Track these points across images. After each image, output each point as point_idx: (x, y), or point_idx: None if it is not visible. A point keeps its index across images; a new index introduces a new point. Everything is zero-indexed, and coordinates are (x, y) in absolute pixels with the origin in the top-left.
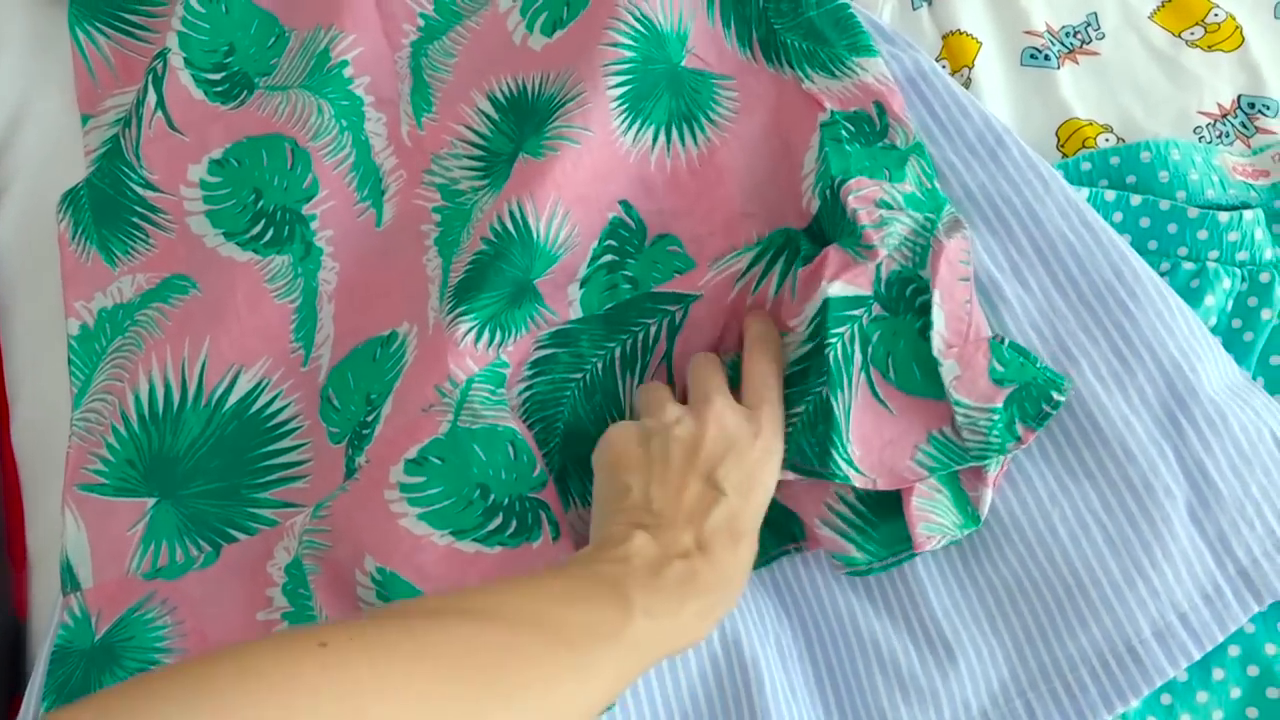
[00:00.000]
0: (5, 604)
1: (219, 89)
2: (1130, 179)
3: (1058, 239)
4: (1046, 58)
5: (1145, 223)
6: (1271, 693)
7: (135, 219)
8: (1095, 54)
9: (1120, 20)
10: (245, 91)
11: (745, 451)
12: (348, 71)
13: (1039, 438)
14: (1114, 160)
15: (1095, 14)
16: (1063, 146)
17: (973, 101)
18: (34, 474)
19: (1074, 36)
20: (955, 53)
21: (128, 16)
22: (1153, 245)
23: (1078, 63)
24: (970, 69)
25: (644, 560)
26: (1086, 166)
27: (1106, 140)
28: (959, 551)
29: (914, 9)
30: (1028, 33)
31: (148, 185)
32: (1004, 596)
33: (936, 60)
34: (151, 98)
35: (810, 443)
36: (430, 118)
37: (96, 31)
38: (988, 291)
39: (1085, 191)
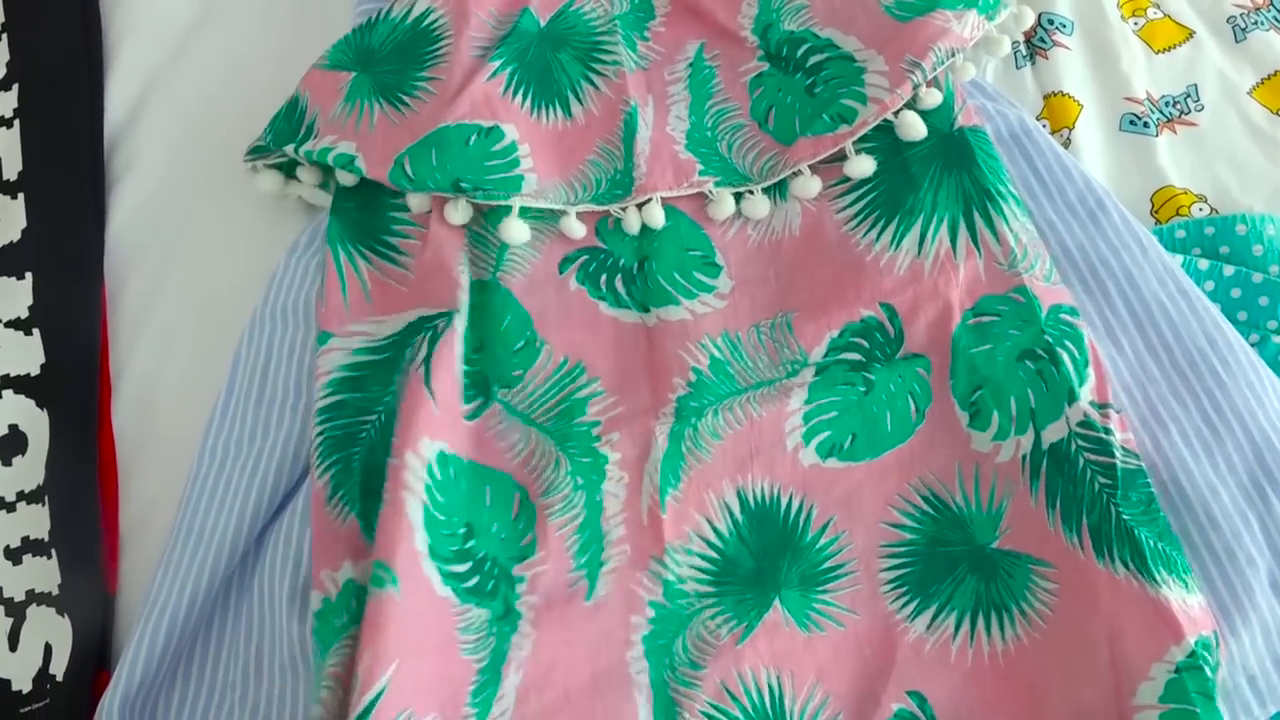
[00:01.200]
0: (97, 579)
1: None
2: (1224, 249)
3: (1153, 304)
4: (1146, 125)
5: (1236, 293)
6: None
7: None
8: (1193, 125)
9: (1220, 94)
10: (483, 399)
11: None
12: (597, 430)
13: None
14: (1209, 230)
15: (1195, 86)
16: (1156, 213)
17: (1074, 163)
18: (131, 450)
19: (1173, 106)
20: (1056, 113)
21: (388, 240)
22: (1243, 316)
23: (1176, 132)
24: (1070, 130)
25: None
26: (1181, 234)
27: (1200, 210)
28: None
29: (1017, 68)
30: (1128, 99)
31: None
32: None
33: (1037, 120)
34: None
35: None
36: (675, 496)
37: (359, 255)
38: None
39: (1179, 259)
